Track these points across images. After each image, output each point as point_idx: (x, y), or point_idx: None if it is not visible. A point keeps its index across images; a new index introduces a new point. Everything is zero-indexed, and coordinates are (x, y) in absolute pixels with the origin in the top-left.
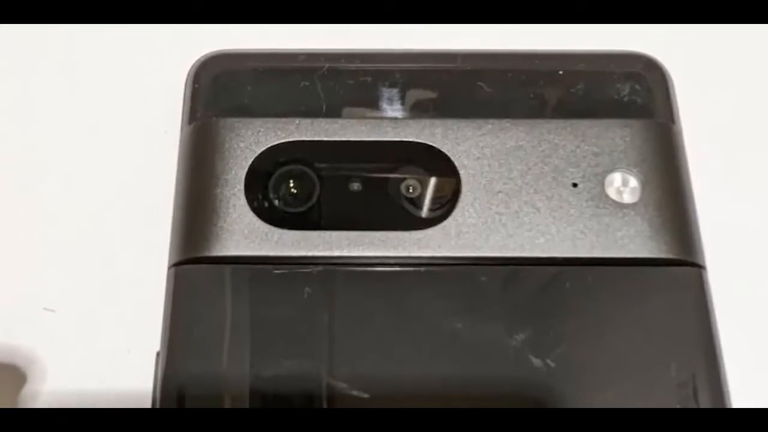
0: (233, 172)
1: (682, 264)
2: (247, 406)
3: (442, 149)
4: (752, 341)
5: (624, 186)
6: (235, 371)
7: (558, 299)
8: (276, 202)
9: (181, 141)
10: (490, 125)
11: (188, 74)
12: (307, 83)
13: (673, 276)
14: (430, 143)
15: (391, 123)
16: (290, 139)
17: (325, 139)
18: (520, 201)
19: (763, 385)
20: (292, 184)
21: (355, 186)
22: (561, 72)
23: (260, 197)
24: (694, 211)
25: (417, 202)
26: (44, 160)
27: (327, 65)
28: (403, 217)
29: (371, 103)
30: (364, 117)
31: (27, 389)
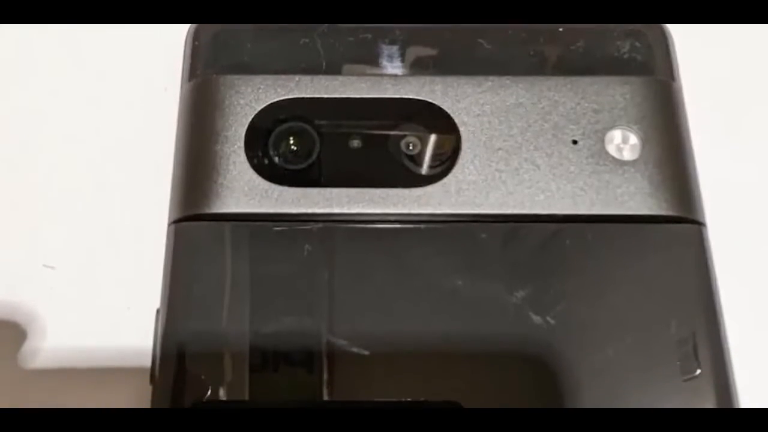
0: (233, 129)
1: (682, 221)
2: (246, 364)
3: (442, 106)
4: (752, 298)
5: (624, 143)
6: (235, 328)
7: (558, 256)
8: (276, 159)
9: (181, 98)
10: (490, 82)
11: (188, 31)
12: (307, 40)
13: (673, 233)
14: (430, 100)
15: (391, 80)
16: (290, 96)
17: (325, 96)
18: (520, 158)
19: (763, 342)
20: (292, 141)
21: (355, 143)
22: (561, 29)
23: (260, 154)
24: (694, 168)
25: (417, 159)
26: (45, 117)
27: (327, 23)
28: (403, 174)
29: (371, 60)
30: (364, 74)
31: (27, 346)
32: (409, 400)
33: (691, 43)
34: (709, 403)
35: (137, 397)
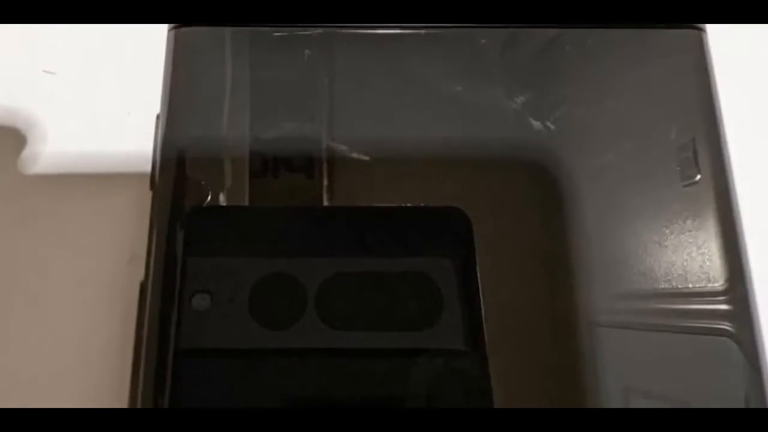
0: None
1: (682, 26)
2: (246, 169)
3: None
4: (752, 104)
5: None
6: (235, 133)
7: (558, 62)
8: None
9: None
10: None
11: None
12: None
13: (673, 38)
14: None
15: None
16: None
17: None
18: None
19: (762, 147)
20: None
21: None
22: None
23: None
24: None
25: None
26: None
27: None
28: None
29: None
30: None
31: (27, 152)
32: (409, 205)
33: None
34: (709, 208)
35: (137, 202)
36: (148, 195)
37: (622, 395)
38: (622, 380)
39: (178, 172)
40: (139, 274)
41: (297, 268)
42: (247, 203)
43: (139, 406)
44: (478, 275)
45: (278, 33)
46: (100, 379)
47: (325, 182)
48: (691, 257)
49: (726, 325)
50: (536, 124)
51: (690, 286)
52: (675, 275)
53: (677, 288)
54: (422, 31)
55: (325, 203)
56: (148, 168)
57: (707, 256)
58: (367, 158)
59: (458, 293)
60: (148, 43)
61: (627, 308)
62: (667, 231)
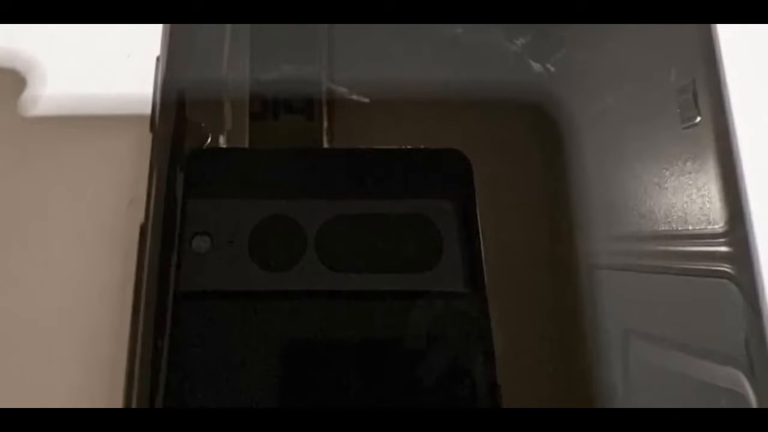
0: None
1: None
2: (246, 111)
3: None
4: (751, 46)
5: None
6: (235, 75)
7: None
8: None
9: None
10: None
11: None
12: None
13: None
14: None
15: None
16: None
17: None
18: None
19: (763, 87)
20: None
21: None
22: None
23: None
24: None
25: None
26: None
27: None
28: None
29: None
30: None
31: (27, 93)
32: (409, 147)
33: None
34: (709, 150)
35: (137, 144)
36: (148, 137)
37: (622, 337)
38: (621, 322)
39: (178, 114)
40: (139, 216)
41: (297, 210)
42: (246, 145)
43: (139, 348)
44: (478, 218)
45: None
46: (100, 322)
47: (325, 124)
48: (691, 199)
49: (726, 267)
50: (536, 66)
51: (690, 228)
52: (675, 217)
53: (677, 230)
54: None
55: (325, 145)
56: (148, 110)
57: (707, 198)
58: (367, 100)
59: (458, 235)
60: None
61: (627, 250)
62: (667, 173)
